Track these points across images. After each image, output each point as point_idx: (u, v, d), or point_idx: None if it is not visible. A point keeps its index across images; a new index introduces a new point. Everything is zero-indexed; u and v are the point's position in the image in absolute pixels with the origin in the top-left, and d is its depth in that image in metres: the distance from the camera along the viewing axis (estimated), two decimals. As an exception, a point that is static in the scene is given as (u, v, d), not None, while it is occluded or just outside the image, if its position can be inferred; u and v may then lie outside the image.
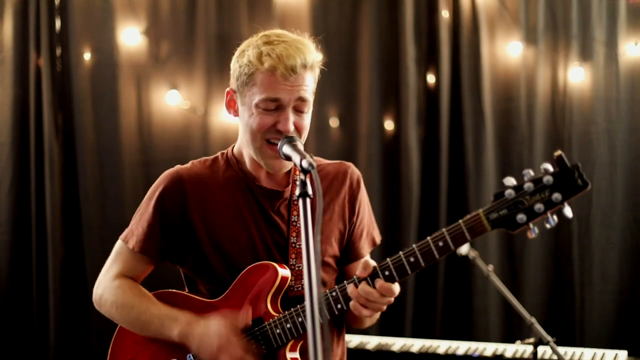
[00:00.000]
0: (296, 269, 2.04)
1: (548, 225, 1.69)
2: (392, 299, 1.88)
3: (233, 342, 1.93)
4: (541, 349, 3.29)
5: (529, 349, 3.33)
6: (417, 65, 4.25)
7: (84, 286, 4.34)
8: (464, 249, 2.98)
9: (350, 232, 2.13)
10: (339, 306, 1.91)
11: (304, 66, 1.92)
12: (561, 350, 3.23)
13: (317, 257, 1.50)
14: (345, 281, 1.91)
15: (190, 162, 2.14)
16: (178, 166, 2.14)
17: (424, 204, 4.24)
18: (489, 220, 1.72)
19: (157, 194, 2.09)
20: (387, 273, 1.85)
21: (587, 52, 4.11)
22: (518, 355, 3.43)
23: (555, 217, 1.69)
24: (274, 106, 1.92)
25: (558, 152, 1.67)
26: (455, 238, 1.76)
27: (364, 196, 2.17)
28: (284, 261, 2.04)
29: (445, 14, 4.21)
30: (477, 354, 3.48)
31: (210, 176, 2.09)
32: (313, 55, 1.94)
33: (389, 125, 4.32)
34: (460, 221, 1.76)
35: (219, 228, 2.04)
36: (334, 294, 1.91)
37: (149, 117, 4.36)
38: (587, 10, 4.10)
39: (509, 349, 3.49)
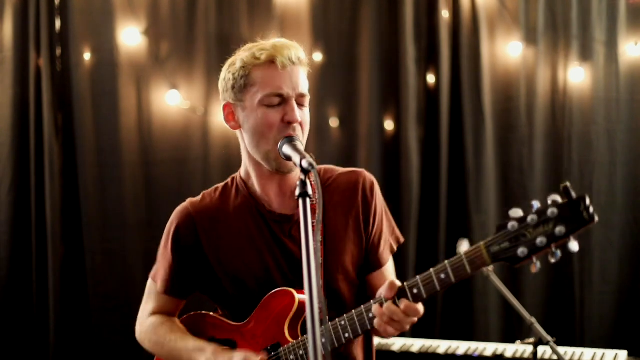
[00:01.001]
0: None
1: (552, 260, 1.59)
2: (416, 320, 1.84)
3: None
4: (541, 349, 3.29)
5: (529, 349, 3.33)
6: (417, 65, 4.24)
7: (84, 286, 4.34)
8: (464, 249, 2.98)
9: (367, 242, 2.10)
10: (347, 335, 1.90)
11: (299, 59, 1.96)
12: (561, 350, 3.23)
13: (317, 257, 1.50)
14: (362, 306, 1.88)
15: (202, 194, 2.14)
16: (189, 200, 2.13)
17: (424, 204, 4.24)
18: (490, 253, 1.66)
19: (171, 233, 2.11)
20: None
21: (587, 52, 4.11)
22: (518, 355, 3.43)
23: (559, 251, 1.59)
24: (277, 101, 1.93)
25: (564, 183, 1.58)
26: (457, 271, 1.72)
27: (378, 203, 2.12)
28: (299, 283, 2.03)
29: (445, 14, 4.21)
30: (477, 354, 3.48)
31: (220, 207, 2.09)
32: (303, 53, 1.99)
33: (389, 125, 4.32)
34: (462, 254, 1.72)
35: (233, 258, 2.05)
36: (342, 322, 1.89)
37: (149, 117, 4.36)
38: (587, 10, 4.10)
39: (509, 349, 3.49)
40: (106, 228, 4.35)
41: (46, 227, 4.30)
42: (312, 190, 1.68)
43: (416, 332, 4.10)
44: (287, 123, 1.93)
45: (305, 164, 1.68)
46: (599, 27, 4.09)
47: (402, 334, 3.99)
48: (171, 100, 4.35)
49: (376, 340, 3.61)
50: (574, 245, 1.56)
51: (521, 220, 1.61)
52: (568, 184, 1.57)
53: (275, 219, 2.04)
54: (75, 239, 4.36)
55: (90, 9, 4.35)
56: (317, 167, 2.02)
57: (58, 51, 4.36)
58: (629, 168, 4.11)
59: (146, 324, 2.18)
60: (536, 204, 1.61)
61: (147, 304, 2.21)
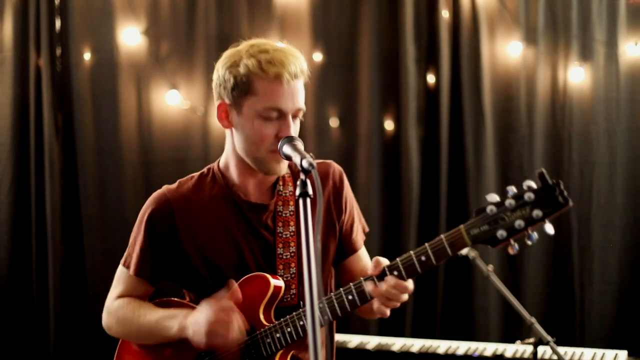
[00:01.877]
0: (284, 279, 2.05)
1: (529, 242, 1.71)
2: (406, 297, 1.90)
3: (222, 322, 1.93)
4: (541, 349, 3.29)
5: (529, 349, 3.33)
6: (417, 65, 4.24)
7: (84, 286, 4.34)
8: (464, 249, 2.98)
9: (340, 229, 2.15)
10: (351, 298, 1.91)
11: (301, 71, 1.96)
12: (561, 350, 3.23)
13: (318, 257, 1.50)
14: (361, 278, 1.91)
15: (178, 182, 2.15)
16: (165, 187, 2.14)
17: (424, 204, 4.24)
18: (470, 235, 1.75)
19: (145, 217, 2.10)
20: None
21: (587, 52, 4.11)
22: (518, 355, 3.44)
23: (535, 233, 1.70)
24: (275, 115, 1.94)
25: (540, 170, 1.68)
26: (437, 253, 1.80)
27: (348, 191, 2.18)
28: (273, 271, 2.06)
29: (445, 14, 4.21)
30: (477, 354, 3.48)
31: (197, 194, 2.10)
32: (304, 62, 1.99)
33: (389, 125, 4.32)
34: (442, 236, 1.79)
35: (209, 245, 2.06)
36: (349, 296, 1.91)
37: (149, 117, 4.36)
38: (587, 10, 4.10)
39: (509, 349, 3.49)
40: (106, 228, 4.35)
41: (46, 227, 4.30)
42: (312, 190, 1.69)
43: (416, 332, 4.11)
44: (281, 139, 1.94)
45: (305, 164, 1.69)
46: (599, 27, 4.09)
47: (402, 334, 4.01)
48: (171, 100, 4.35)
49: (376, 340, 3.63)
50: (549, 228, 1.67)
51: (499, 204, 1.71)
52: (543, 170, 1.67)
53: (252, 208, 2.07)
54: (75, 239, 4.36)
55: (90, 9, 4.34)
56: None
57: (58, 51, 4.36)
58: (629, 168, 4.11)
59: (113, 306, 2.14)
60: (512, 190, 1.70)
61: (115, 289, 2.18)
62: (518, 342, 3.08)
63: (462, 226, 1.76)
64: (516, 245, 1.72)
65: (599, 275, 4.10)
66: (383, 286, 1.85)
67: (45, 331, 4.32)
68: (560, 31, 4.14)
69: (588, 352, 3.44)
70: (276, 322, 2.00)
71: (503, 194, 1.73)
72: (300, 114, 2.00)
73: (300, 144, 1.87)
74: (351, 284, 1.92)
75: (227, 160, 2.10)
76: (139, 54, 4.36)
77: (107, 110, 4.36)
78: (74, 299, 4.37)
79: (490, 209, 1.72)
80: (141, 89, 4.36)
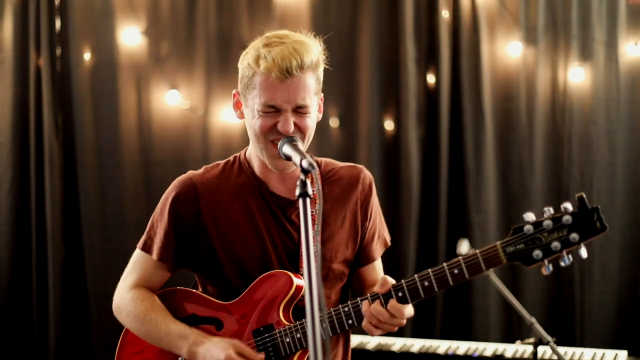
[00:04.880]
0: None
1: (562, 264, 1.73)
2: (404, 322, 1.90)
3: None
4: (541, 349, 3.29)
5: (529, 349, 3.33)
6: (417, 65, 4.24)
7: (84, 286, 4.34)
8: (464, 249, 2.98)
9: (362, 236, 2.13)
10: (350, 322, 1.93)
11: (301, 67, 1.89)
12: (561, 350, 3.23)
13: (318, 257, 1.50)
14: (359, 298, 1.92)
15: (203, 168, 2.13)
16: (190, 172, 2.12)
17: (424, 204, 4.24)
18: (506, 253, 1.76)
19: (170, 200, 2.08)
20: (400, 294, 1.88)
21: (587, 52, 4.11)
22: (518, 355, 3.43)
23: (570, 256, 1.72)
24: (271, 110, 1.93)
25: (580, 194, 1.70)
26: (471, 267, 1.80)
27: (375, 200, 2.17)
28: (295, 268, 2.05)
29: (445, 14, 4.21)
30: (477, 354, 3.48)
31: (222, 182, 2.08)
32: (312, 56, 1.91)
33: (389, 125, 4.32)
34: (477, 251, 1.79)
35: (232, 233, 2.04)
36: (346, 309, 1.93)
37: (149, 117, 4.36)
38: (587, 10, 4.10)
39: (509, 349, 3.49)
40: (106, 228, 4.35)
41: (46, 227, 4.30)
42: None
43: (416, 332, 4.11)
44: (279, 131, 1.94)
45: (305, 164, 1.68)
46: (599, 27, 4.09)
47: (402, 334, 4.01)
48: (171, 100, 4.35)
49: (376, 340, 3.63)
50: (583, 252, 1.71)
51: (537, 225, 1.73)
52: (583, 194, 1.70)
53: (279, 201, 2.05)
54: (75, 239, 4.36)
55: (90, 9, 4.34)
56: (318, 159, 2.03)
57: (58, 51, 4.36)
58: (629, 168, 4.11)
59: (127, 296, 2.13)
60: (549, 210, 1.73)
61: (131, 275, 2.16)
62: (518, 342, 3.08)
63: (498, 243, 1.77)
64: (550, 267, 1.73)
65: (599, 275, 4.10)
66: (376, 309, 1.87)
67: (45, 331, 4.32)
68: (560, 31, 4.14)
69: (588, 352, 3.44)
70: (297, 322, 1.98)
71: (540, 214, 1.74)
72: (307, 110, 1.94)
73: (300, 144, 1.87)
74: (350, 303, 1.93)
75: (251, 149, 2.09)
76: (139, 54, 4.36)
77: (107, 110, 4.36)
78: (74, 299, 4.37)
79: (528, 228, 1.73)
80: (141, 89, 4.36)
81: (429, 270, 1.84)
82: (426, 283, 1.83)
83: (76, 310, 4.36)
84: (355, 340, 3.66)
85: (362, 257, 2.15)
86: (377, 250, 2.19)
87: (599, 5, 4.09)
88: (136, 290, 2.13)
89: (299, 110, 1.93)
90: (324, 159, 2.16)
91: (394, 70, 4.24)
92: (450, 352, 3.51)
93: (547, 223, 1.71)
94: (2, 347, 4.32)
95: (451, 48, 4.23)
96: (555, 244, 1.70)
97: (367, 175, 2.15)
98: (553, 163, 4.16)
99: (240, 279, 2.04)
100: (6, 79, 4.32)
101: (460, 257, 1.81)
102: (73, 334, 4.37)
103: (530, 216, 1.74)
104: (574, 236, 1.69)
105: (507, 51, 4.20)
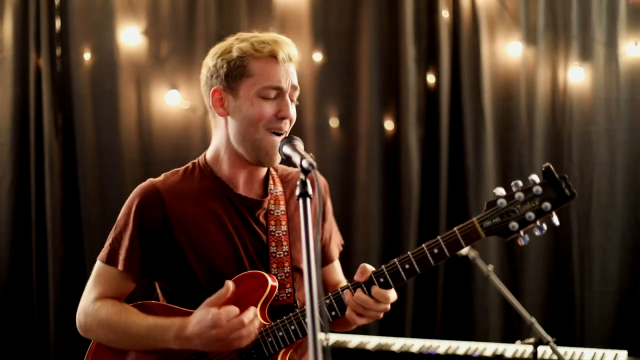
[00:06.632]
0: (278, 278, 2.04)
1: (537, 233, 1.79)
2: (388, 306, 1.91)
3: (230, 323, 1.89)
4: (541, 349, 3.29)
5: (529, 349, 3.33)
6: (417, 65, 4.25)
7: (83, 286, 4.32)
8: (464, 249, 2.98)
9: (321, 237, 2.15)
10: (333, 313, 1.93)
11: (295, 57, 2.01)
12: (561, 350, 3.23)
13: (318, 257, 1.50)
14: (339, 288, 1.93)
15: (163, 175, 2.12)
16: (151, 179, 2.11)
17: (424, 204, 4.24)
18: (483, 227, 1.80)
19: (134, 207, 2.04)
20: (382, 280, 1.88)
21: (587, 52, 4.11)
22: (518, 355, 3.43)
23: (544, 225, 1.78)
24: (274, 94, 1.97)
25: (546, 164, 1.77)
26: (450, 245, 1.83)
27: (330, 203, 2.23)
28: (266, 268, 2.05)
29: (445, 14, 4.21)
30: (477, 354, 3.47)
31: (186, 185, 2.07)
32: (296, 50, 2.03)
33: (389, 125, 4.32)
34: (455, 229, 1.82)
35: (202, 237, 2.01)
36: (327, 301, 1.92)
37: (149, 117, 4.36)
38: (587, 10, 4.10)
39: (509, 349, 3.49)
40: (106, 228, 4.32)
41: (46, 227, 4.29)
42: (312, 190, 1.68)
43: (416, 332, 4.11)
44: (280, 118, 1.98)
45: (305, 164, 1.68)
46: (599, 27, 4.09)
47: (402, 334, 4.01)
48: (171, 100, 4.35)
49: (376, 340, 3.63)
50: (556, 220, 1.77)
51: (509, 198, 1.78)
52: (550, 164, 1.77)
53: (245, 203, 2.06)
54: (75, 239, 4.36)
55: (90, 9, 4.34)
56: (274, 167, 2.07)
57: (58, 51, 4.36)
58: (629, 168, 4.11)
59: (93, 308, 2.06)
60: (518, 183, 1.77)
61: (94, 290, 2.10)
62: (518, 342, 3.08)
63: (474, 219, 1.80)
64: (526, 237, 1.78)
65: (599, 275, 4.10)
66: (360, 297, 1.87)
67: (45, 331, 4.32)
68: (560, 31, 4.14)
69: (588, 352, 3.44)
70: (279, 320, 1.97)
71: (508, 188, 1.78)
72: (296, 96, 2.03)
73: (300, 144, 1.87)
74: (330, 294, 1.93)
75: (217, 152, 2.09)
76: (139, 54, 4.36)
77: (107, 110, 4.36)
78: (74, 299, 4.34)
79: (501, 201, 1.78)
80: (141, 89, 4.36)
81: (409, 252, 1.86)
82: (407, 266, 1.86)
83: (76, 310, 4.35)
84: (355, 340, 3.66)
85: (322, 258, 2.17)
86: (335, 250, 2.22)
87: (599, 5, 4.09)
88: (102, 300, 2.08)
89: (291, 97, 2.01)
90: (280, 166, 2.18)
91: (394, 70, 4.25)
92: (450, 352, 3.51)
93: (519, 195, 1.76)
94: (2, 347, 4.32)
95: (451, 48, 4.23)
96: (530, 214, 1.75)
97: (321, 177, 2.15)
98: (553, 163, 4.10)
99: (212, 281, 1.99)
100: (6, 79, 4.31)
101: (438, 237, 1.83)
102: (73, 334, 4.36)
103: (500, 191, 1.78)
104: (546, 205, 1.74)
105: (507, 51, 4.20)
